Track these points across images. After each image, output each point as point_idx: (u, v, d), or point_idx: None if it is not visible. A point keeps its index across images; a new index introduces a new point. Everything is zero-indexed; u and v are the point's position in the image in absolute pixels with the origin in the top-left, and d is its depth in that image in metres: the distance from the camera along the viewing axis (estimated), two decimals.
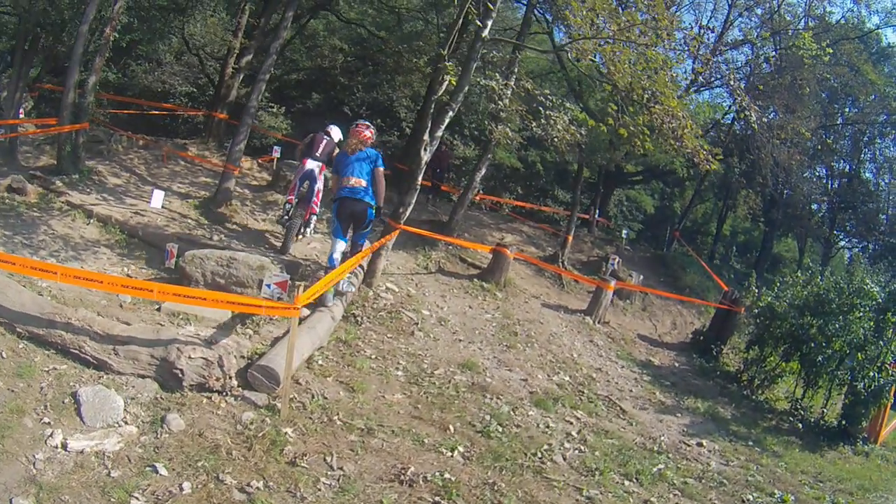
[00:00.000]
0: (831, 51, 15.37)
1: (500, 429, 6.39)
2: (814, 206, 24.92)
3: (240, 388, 5.66)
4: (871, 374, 9.26)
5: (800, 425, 9.51)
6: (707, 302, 14.60)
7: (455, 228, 12.91)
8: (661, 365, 10.90)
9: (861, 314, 9.66)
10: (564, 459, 6.10)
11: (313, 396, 5.98)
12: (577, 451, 6.38)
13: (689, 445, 7.53)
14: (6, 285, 5.91)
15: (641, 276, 14.74)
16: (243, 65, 15.77)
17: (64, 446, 4.57)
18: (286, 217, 10.41)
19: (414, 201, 9.86)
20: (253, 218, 12.04)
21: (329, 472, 4.81)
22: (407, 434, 5.70)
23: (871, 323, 9.66)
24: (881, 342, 9.53)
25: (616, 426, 7.52)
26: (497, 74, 11.25)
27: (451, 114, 9.59)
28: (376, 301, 9.17)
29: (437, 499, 4.72)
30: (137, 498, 4.18)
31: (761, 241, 26.73)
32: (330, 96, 20.77)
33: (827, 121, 21.77)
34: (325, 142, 10.52)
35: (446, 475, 5.05)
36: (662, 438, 7.47)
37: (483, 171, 12.85)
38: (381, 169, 8.17)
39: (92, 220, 9.64)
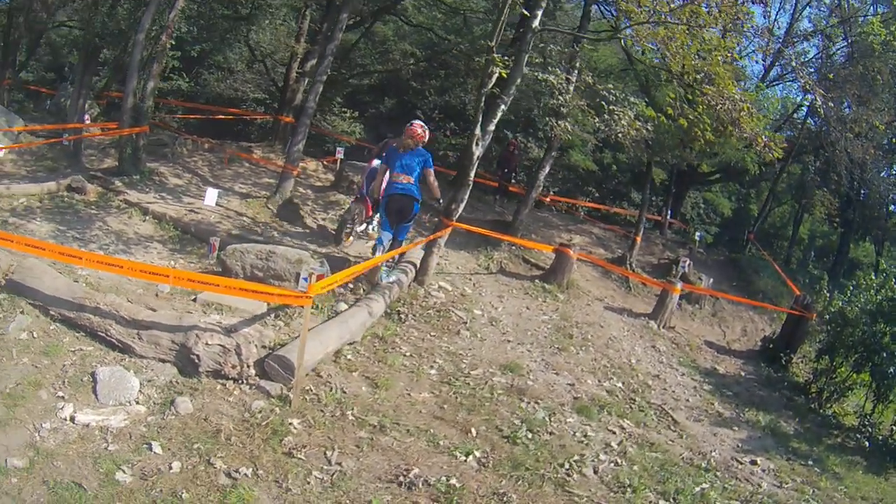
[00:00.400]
0: None
1: (530, 435, 5.94)
2: (891, 207, 23.25)
3: (256, 377, 5.56)
4: None
5: (867, 443, 8.45)
6: (778, 307, 13.43)
7: (519, 228, 12.51)
8: (725, 373, 10.00)
9: None
10: (596, 473, 5.56)
11: (331, 389, 5.78)
12: (612, 465, 5.81)
13: (741, 463, 6.75)
14: (43, 272, 6.13)
15: (711, 280, 13.75)
16: (307, 69, 15.96)
17: (72, 419, 4.65)
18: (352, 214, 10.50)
19: (466, 197, 9.53)
20: (312, 217, 12.16)
21: (325, 467, 4.59)
22: (423, 434, 5.41)
23: None
24: None
25: (664, 438, 6.86)
26: (557, 69, 10.92)
27: (503, 107, 9.28)
28: (426, 299, 8.96)
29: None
30: (124, 471, 4.17)
31: (837, 245, 25.08)
32: (403, 101, 20.90)
33: None
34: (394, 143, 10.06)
35: (452, 481, 4.71)
36: (713, 454, 6.72)
37: (547, 169, 12.43)
38: (431, 169, 8.48)
39: (147, 217, 9.96)
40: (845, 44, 17.46)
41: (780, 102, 18.19)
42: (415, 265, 9.36)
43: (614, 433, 6.61)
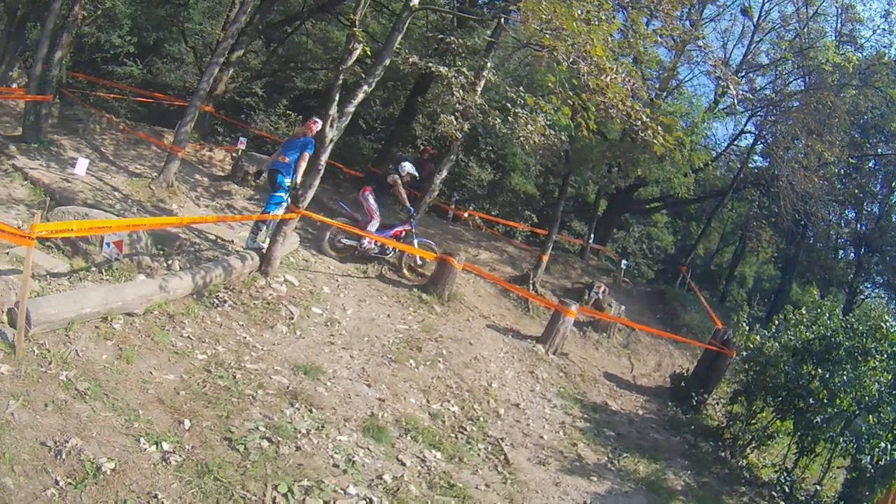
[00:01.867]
0: (855, 58, 14.32)
1: (264, 444, 4.75)
2: (840, 253, 23.29)
3: (5, 323, 5.06)
4: (883, 444, 7.03)
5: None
6: (693, 341, 12.19)
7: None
8: (618, 411, 8.76)
9: (877, 364, 7.42)
10: None
11: (65, 349, 5.03)
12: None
13: None
14: None
15: (623, 308, 12.50)
16: (233, 59, 15.11)
17: None
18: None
19: (317, 184, 8.46)
20: (195, 203, 11.26)
21: None
22: (126, 412, 4.53)
23: (890, 376, 7.44)
24: None
25: (479, 481, 5.59)
26: (464, 68, 10.33)
27: (365, 88, 8.35)
28: (263, 290, 7.91)
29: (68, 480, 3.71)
30: None
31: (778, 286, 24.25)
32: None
33: (857, 154, 20.20)
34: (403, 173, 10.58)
35: (110, 464, 3.93)
36: None
37: (444, 173, 11.36)
38: (306, 153, 8.96)
39: (26, 182, 9.60)
40: (800, 73, 17.25)
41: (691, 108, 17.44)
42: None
43: (404, 464, 5.38)
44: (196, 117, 11.98)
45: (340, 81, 8.31)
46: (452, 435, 6.26)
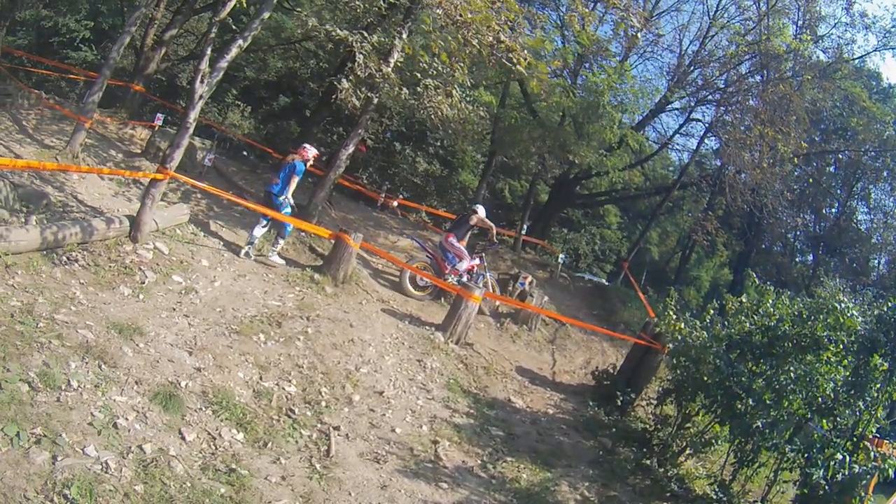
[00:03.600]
0: (808, 36, 14.24)
1: (23, 388, 4.30)
2: (798, 255, 22.88)
3: None
4: (840, 455, 5.84)
5: None
6: (621, 335, 11.19)
7: (314, 214, 10.50)
8: (523, 409, 7.87)
9: (831, 357, 6.34)
10: None
11: None
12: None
13: None
14: None
15: (546, 299, 11.57)
16: (166, 38, 14.59)
17: None
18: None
19: (185, 142, 7.89)
20: (99, 175, 10.40)
21: None
22: None
23: (847, 372, 6.31)
24: (860, 403, 6.11)
25: (279, 472, 4.82)
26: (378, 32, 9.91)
27: (240, 42, 7.82)
28: (126, 255, 7.23)
29: None
30: None
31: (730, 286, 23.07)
32: (298, 100, 19.36)
33: (816, 150, 20.07)
34: (472, 221, 10.79)
35: None
36: None
37: (351, 148, 10.51)
38: (296, 176, 9.34)
39: None
40: (757, 65, 16.69)
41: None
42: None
43: (184, 439, 4.69)
44: (104, 88, 11.47)
45: (214, 34, 7.76)
46: (274, 417, 5.47)
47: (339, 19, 13.32)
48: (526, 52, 8.20)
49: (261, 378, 5.90)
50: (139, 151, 12.64)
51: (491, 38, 7.75)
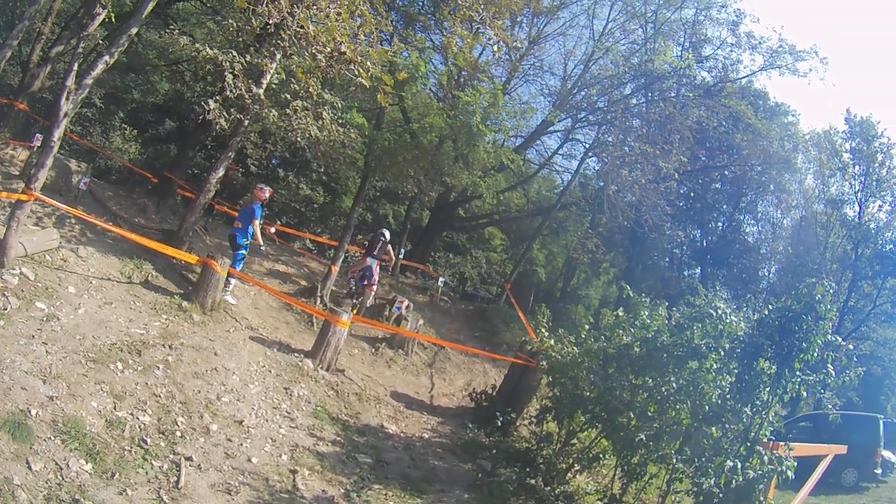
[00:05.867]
0: (691, 54, 14.28)
1: None
2: (686, 269, 23.62)
3: None
4: (730, 462, 5.84)
5: None
6: (499, 356, 11.77)
7: (185, 239, 10.35)
8: (396, 434, 8.21)
9: (714, 364, 6.45)
10: None
11: None
12: None
13: None
14: None
15: (421, 322, 12.00)
16: (52, 55, 14.08)
17: None
18: (353, 291, 12.55)
19: (49, 162, 7.66)
20: None
21: None
22: None
23: (732, 378, 6.39)
24: (748, 408, 6.09)
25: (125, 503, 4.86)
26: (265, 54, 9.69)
27: (106, 59, 7.61)
28: None
29: None
30: None
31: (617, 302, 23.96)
32: (183, 126, 18.84)
33: (702, 166, 21.21)
34: (380, 242, 12.62)
35: None
36: None
37: (221, 171, 10.46)
38: (256, 220, 10.07)
39: None
40: (641, 84, 17.61)
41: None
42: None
43: (30, 468, 4.72)
44: (14, 118, 11.56)
45: (81, 49, 7.66)
46: (125, 447, 5.52)
47: (221, 40, 13.22)
48: (370, 63, 8.27)
49: (115, 407, 5.92)
50: (17, 173, 12.03)
51: (330, 50, 7.80)
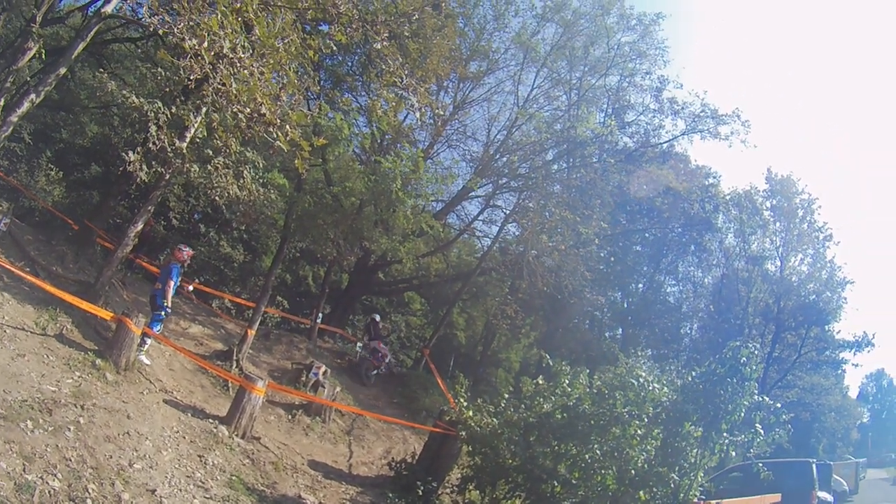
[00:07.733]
0: (613, 121, 16.05)
1: None
2: (607, 332, 23.95)
3: None
4: None
5: None
6: (417, 424, 11.87)
7: (101, 293, 10.12)
8: None
9: (638, 430, 6.63)
10: None
11: None
12: None
13: None
14: None
15: (338, 388, 12.02)
16: None
17: None
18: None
19: None
20: None
21: None
22: None
23: (657, 442, 6.63)
24: (675, 473, 6.29)
25: None
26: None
27: (33, 97, 7.74)
28: None
29: None
30: None
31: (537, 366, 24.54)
32: (109, 171, 18.34)
33: (622, 230, 21.69)
34: (379, 325, 16.17)
35: None
36: None
37: (140, 225, 10.31)
38: (171, 280, 9.91)
39: None
40: (563, 150, 18.17)
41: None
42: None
43: None
44: None
45: (10, 84, 7.66)
46: None
47: (151, 87, 13.08)
48: (289, 127, 8.36)
49: (24, 469, 5.74)
50: None
51: (250, 110, 7.91)
